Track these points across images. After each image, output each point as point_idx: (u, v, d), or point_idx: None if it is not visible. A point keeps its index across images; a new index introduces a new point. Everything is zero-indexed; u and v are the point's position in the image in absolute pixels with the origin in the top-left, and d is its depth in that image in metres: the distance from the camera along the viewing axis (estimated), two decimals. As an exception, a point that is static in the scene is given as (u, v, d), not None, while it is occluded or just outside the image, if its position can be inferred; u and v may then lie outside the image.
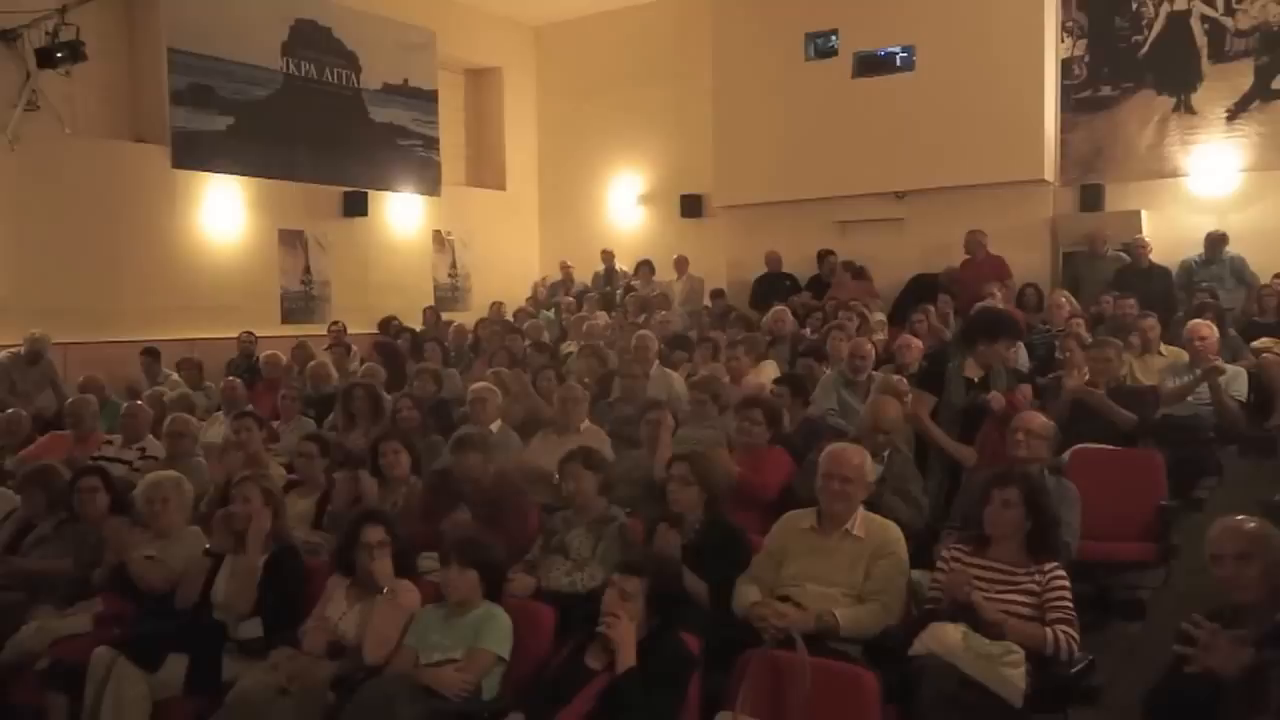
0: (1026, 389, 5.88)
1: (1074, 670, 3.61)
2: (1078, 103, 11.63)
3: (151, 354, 9.97)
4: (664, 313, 10.84)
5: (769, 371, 7.73)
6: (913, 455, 5.37)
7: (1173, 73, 11.13)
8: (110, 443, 6.97)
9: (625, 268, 13.78)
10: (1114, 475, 5.34)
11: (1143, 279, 9.81)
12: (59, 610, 4.79)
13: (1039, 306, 9.79)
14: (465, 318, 12.83)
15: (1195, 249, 10.21)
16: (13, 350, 9.33)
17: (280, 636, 4.18)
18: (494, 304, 13.05)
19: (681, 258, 13.05)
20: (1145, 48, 11.31)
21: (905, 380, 6.39)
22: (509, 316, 12.57)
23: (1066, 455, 5.47)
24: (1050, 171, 11.54)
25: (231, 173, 11.80)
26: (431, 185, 14.05)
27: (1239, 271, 9.89)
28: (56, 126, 10.27)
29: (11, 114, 9.89)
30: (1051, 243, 11.54)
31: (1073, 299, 9.14)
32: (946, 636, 3.54)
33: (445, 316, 12.79)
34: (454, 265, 14.34)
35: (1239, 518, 3.22)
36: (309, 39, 12.59)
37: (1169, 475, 5.46)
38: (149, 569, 4.63)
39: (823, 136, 12.21)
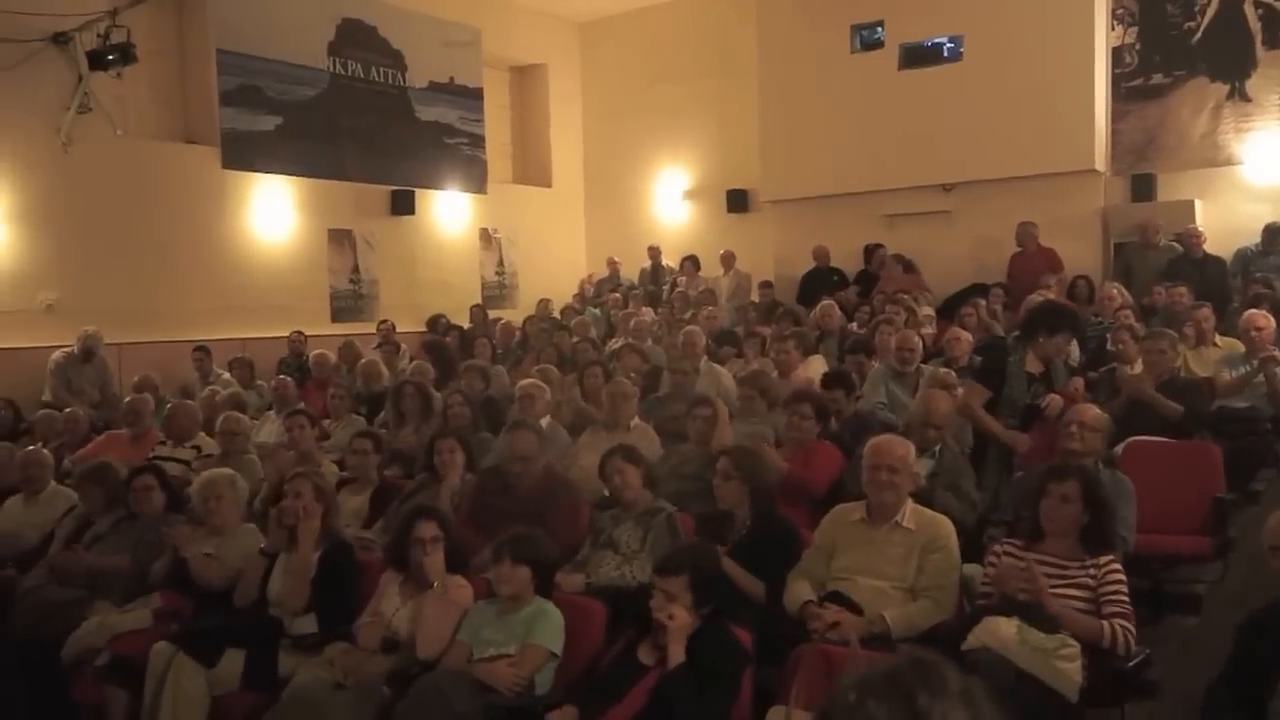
0: (1079, 381, 5.82)
1: (1130, 664, 3.56)
2: (1128, 91, 11.44)
3: (203, 352, 10.11)
4: (711, 308, 10.83)
5: (817, 366, 7.70)
6: (969, 451, 5.33)
7: (1226, 60, 10.92)
8: (165, 442, 7.08)
9: (671, 264, 13.78)
10: (1169, 468, 5.27)
11: (1196, 269, 9.64)
12: (118, 606, 4.89)
13: (1090, 298, 9.65)
14: (513, 315, 12.91)
15: (1251, 239, 9.99)
16: (68, 349, 9.53)
17: (335, 632, 4.23)
18: (541, 301, 13.12)
19: (728, 253, 13.03)
20: (1198, 35, 11.10)
21: (954, 374, 6.36)
22: (556, 314, 12.63)
23: (1120, 448, 5.40)
24: (1101, 161, 11.38)
25: (280, 173, 11.93)
26: (478, 183, 14.12)
27: (1298, 262, 9.69)
28: (108, 128, 10.39)
29: (65, 116, 10.04)
30: (1102, 234, 11.37)
31: (1124, 290, 9.01)
32: (1000, 631, 3.51)
33: (492, 314, 12.87)
34: (501, 263, 14.41)
35: (1297, 510, 3.17)
36: (355, 38, 12.70)
37: (1225, 468, 5.37)
38: (206, 566, 4.70)
39: (869, 129, 12.12)
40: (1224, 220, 10.60)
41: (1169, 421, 5.72)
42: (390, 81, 13.12)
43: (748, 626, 3.71)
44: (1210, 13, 11.05)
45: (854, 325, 9.71)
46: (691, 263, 13.20)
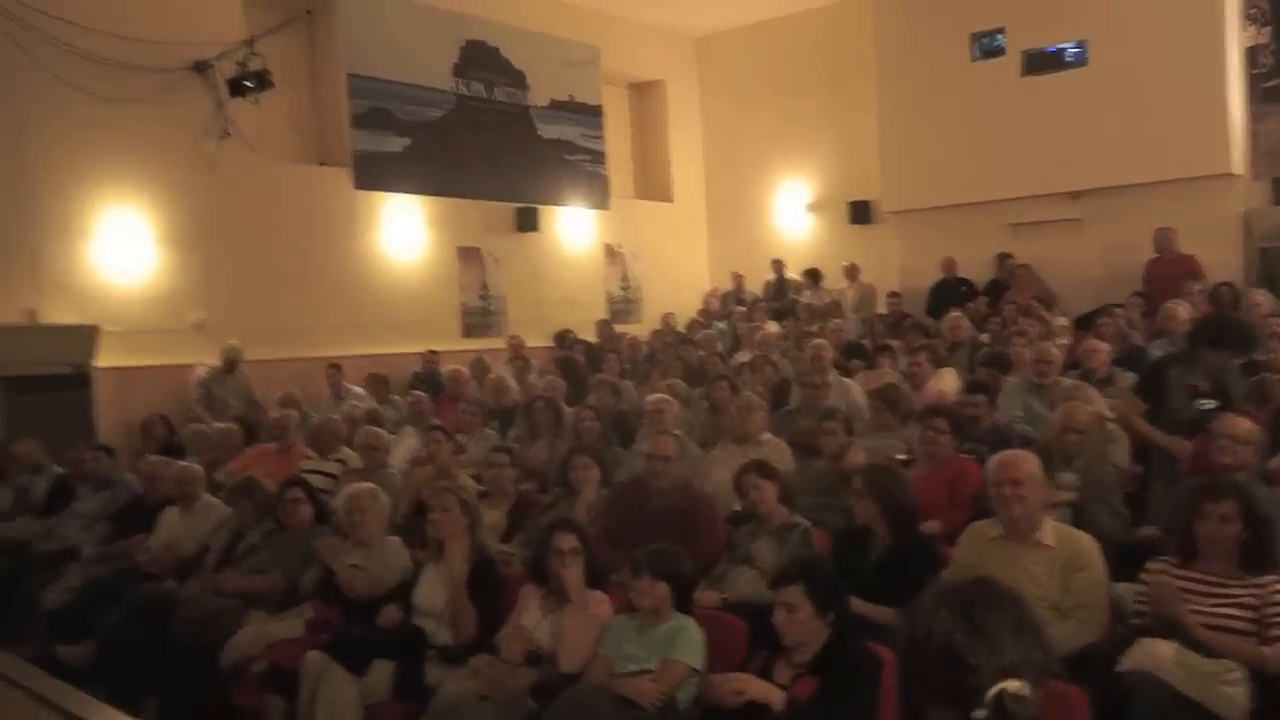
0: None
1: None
2: (1266, 92, 10.98)
3: (336, 369, 10.40)
4: (837, 321, 10.73)
5: (949, 379, 7.55)
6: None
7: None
8: (310, 456, 7.34)
9: (795, 276, 13.70)
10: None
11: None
12: (272, 615, 5.08)
13: (1234, 305, 9.24)
14: (638, 329, 13.01)
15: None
16: (212, 365, 9.98)
17: (479, 644, 4.32)
18: (665, 315, 13.19)
19: (852, 265, 12.90)
20: (1335, 32, 10.59)
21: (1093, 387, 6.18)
22: (680, 328, 12.67)
23: (1275, 461, 5.15)
24: (1239, 164, 10.93)
25: (409, 192, 12.24)
26: (600, 199, 14.29)
27: None
28: (247, 152, 10.77)
29: (208, 142, 10.52)
30: (1244, 239, 10.90)
31: (1271, 297, 8.62)
32: (1158, 653, 3.40)
33: (618, 329, 12.98)
34: (625, 278, 14.53)
35: None
36: (478, 59, 12.99)
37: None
38: (355, 577, 4.84)
39: (993, 137, 11.89)
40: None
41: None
42: (512, 101, 13.38)
43: (889, 644, 3.65)
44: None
45: (984, 337, 9.50)
46: (816, 275, 13.09)
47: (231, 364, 9.95)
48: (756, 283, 14.11)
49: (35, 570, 6.33)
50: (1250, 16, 11.03)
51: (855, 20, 13.34)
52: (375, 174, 11.97)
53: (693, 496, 5.19)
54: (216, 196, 10.50)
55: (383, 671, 4.34)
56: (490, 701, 3.93)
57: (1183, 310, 8.10)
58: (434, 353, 11.27)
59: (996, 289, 11.56)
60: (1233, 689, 3.30)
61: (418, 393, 8.72)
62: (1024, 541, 3.89)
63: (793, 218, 14.63)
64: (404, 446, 7.59)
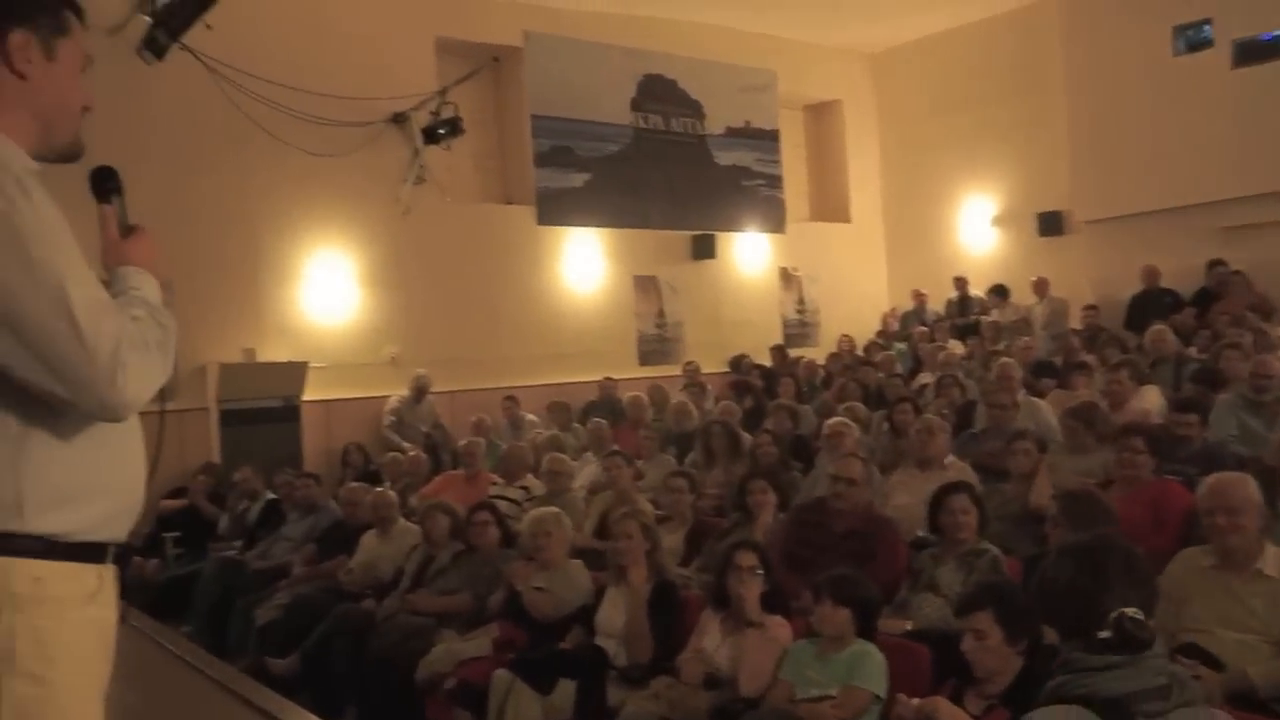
0: None
1: None
2: None
3: (512, 400, 10.69)
4: (1025, 338, 10.31)
5: (1152, 397, 7.11)
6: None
7: None
8: (496, 482, 7.58)
9: (979, 293, 13.27)
10: None
11: None
12: (461, 635, 5.27)
13: None
14: (815, 353, 12.88)
15: None
16: (401, 394, 10.47)
17: (659, 666, 4.35)
18: (842, 337, 12.99)
19: (1041, 279, 12.37)
20: None
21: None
22: (859, 350, 12.46)
23: None
24: None
25: (589, 225, 12.54)
26: (776, 223, 14.24)
27: None
28: (439, 196, 11.33)
29: (403, 188, 11.10)
30: None
31: None
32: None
33: (795, 353, 12.88)
34: (801, 301, 14.41)
35: None
36: (656, 92, 13.21)
37: None
38: (540, 599, 4.97)
39: (1200, 136, 11.20)
40: None
41: None
42: (689, 131, 13.53)
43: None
44: None
45: (1192, 350, 8.93)
46: (1000, 291, 12.64)
47: (420, 392, 10.40)
48: (938, 301, 13.73)
49: (249, 588, 6.77)
50: None
51: (1041, 23, 12.88)
52: (557, 210, 12.31)
53: (875, 520, 5.08)
54: (410, 238, 11.04)
55: (566, 691, 4.42)
56: (671, 724, 3.95)
57: None
58: (611, 379, 11.45)
59: (1205, 299, 10.85)
60: None
61: (598, 419, 8.87)
62: (1242, 572, 3.62)
63: (977, 233, 14.17)
64: (585, 472, 7.73)
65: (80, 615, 1.75)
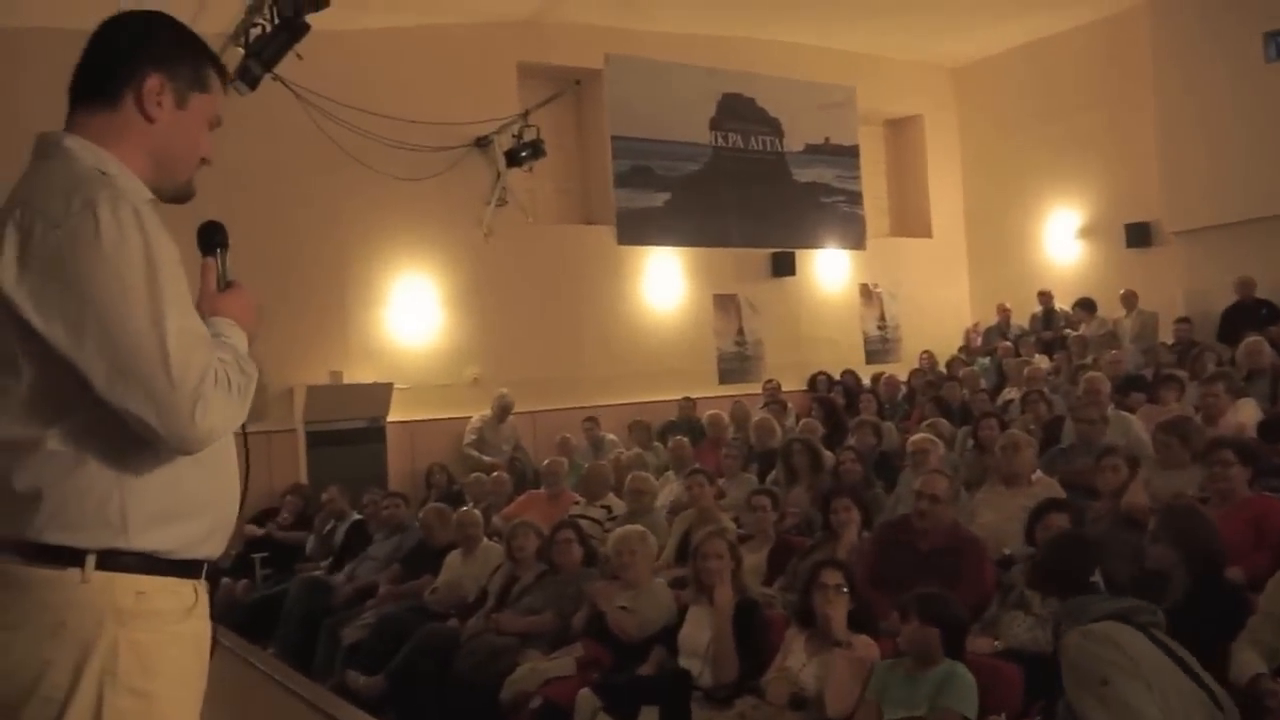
0: None
1: None
2: None
3: (592, 421, 10.75)
4: (1114, 352, 10.05)
5: (1248, 411, 6.89)
6: None
7: None
8: (578, 502, 7.61)
9: (1065, 307, 12.99)
10: None
11: None
12: (546, 654, 5.29)
13: None
14: (896, 369, 12.72)
15: None
16: (484, 414, 10.58)
17: (744, 686, 4.32)
18: (923, 354, 12.82)
19: (1130, 292, 12.05)
20: None
21: None
22: (941, 366, 12.28)
23: None
24: None
25: (669, 244, 12.59)
26: (856, 239, 14.14)
27: None
28: (521, 217, 11.50)
29: (486, 210, 11.27)
30: None
31: None
32: None
33: (876, 369, 12.76)
34: (882, 317, 14.25)
35: None
36: (735, 111, 13.22)
37: None
38: (624, 619, 4.98)
39: (1294, 143, 10.87)
40: None
41: None
42: (768, 148, 13.51)
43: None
44: None
45: (1292, 363, 8.63)
46: (1087, 305, 12.36)
47: (503, 411, 10.51)
48: (1022, 316, 13.46)
49: (336, 608, 6.89)
50: None
51: (1127, 33, 12.61)
52: (637, 229, 12.39)
53: (962, 537, 4.99)
54: (492, 259, 11.21)
55: (650, 717, 4.41)
56: (756, 745, 3.92)
57: None
58: (689, 400, 11.43)
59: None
60: None
61: (680, 438, 8.87)
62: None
63: (1062, 245, 13.88)
64: (666, 491, 7.73)
65: (179, 629, 1.80)
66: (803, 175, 13.71)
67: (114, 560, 1.72)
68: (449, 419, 10.70)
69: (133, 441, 1.71)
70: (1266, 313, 10.70)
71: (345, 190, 10.24)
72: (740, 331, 13.07)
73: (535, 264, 11.51)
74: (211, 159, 1.99)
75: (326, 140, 9.79)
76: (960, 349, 13.56)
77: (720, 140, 13.08)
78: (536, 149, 10.86)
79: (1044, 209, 14.02)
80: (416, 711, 5.52)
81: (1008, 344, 12.29)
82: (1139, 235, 12.82)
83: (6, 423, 1.71)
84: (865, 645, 4.09)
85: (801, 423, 8.99)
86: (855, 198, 14.19)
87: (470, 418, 10.65)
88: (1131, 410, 7.58)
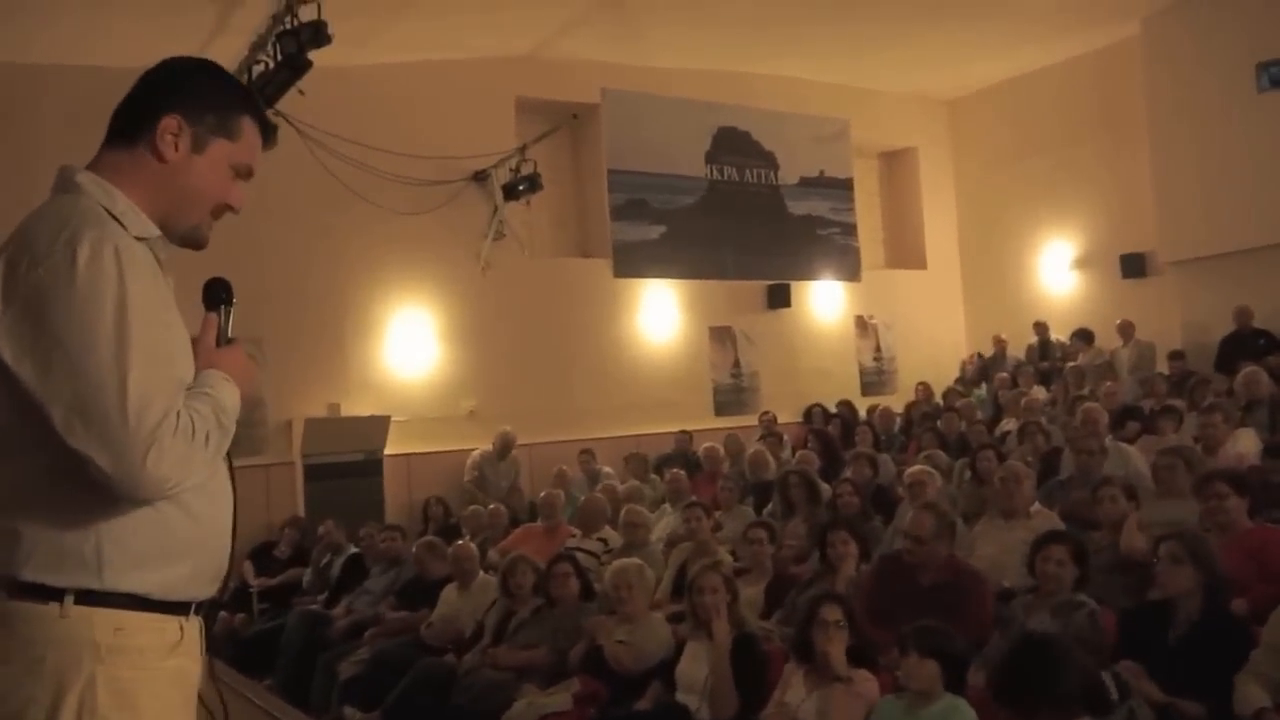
0: None
1: None
2: None
3: (589, 454, 10.72)
4: (1110, 383, 10.06)
5: (1247, 441, 6.89)
6: None
7: None
8: (574, 534, 7.58)
9: (1061, 338, 13.02)
10: None
11: None
12: (542, 689, 5.23)
13: None
14: (892, 401, 12.71)
15: None
16: (484, 449, 10.54)
17: (742, 720, 4.29)
18: (919, 385, 12.82)
19: (1126, 322, 12.09)
20: None
21: None
22: (938, 398, 12.28)
23: None
24: None
25: (665, 277, 12.63)
26: (851, 271, 14.18)
27: None
28: (518, 250, 11.54)
29: (483, 244, 11.30)
30: None
31: None
32: None
33: (872, 401, 12.75)
34: (878, 348, 14.28)
35: None
36: (730, 145, 13.31)
37: None
38: (621, 653, 4.94)
39: (1288, 172, 10.96)
40: None
41: None
42: (763, 181, 13.59)
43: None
44: None
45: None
46: (1085, 336, 12.38)
47: (505, 448, 10.48)
48: (1018, 347, 13.49)
49: (333, 642, 6.84)
50: None
51: (1119, 64, 12.73)
52: (633, 262, 12.43)
53: (961, 570, 4.96)
54: (489, 292, 11.24)
55: (648, 752, 4.38)
56: (755, 781, 3.88)
57: None
58: (686, 433, 11.41)
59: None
60: None
61: (677, 471, 8.85)
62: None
63: (1057, 276, 13.94)
64: (662, 524, 7.70)
65: (162, 665, 1.78)
66: (798, 208, 13.78)
67: (88, 598, 1.71)
68: (446, 451, 10.68)
69: None
70: (1264, 342, 10.73)
71: (344, 223, 10.28)
72: (736, 363, 13.09)
73: (532, 296, 11.53)
74: (239, 208, 1.99)
75: (326, 174, 9.84)
76: (956, 380, 13.56)
77: (716, 173, 13.16)
78: (534, 182, 10.94)
79: (1038, 240, 14.09)
80: (412, 748, 5.48)
81: (1004, 375, 12.30)
82: (1134, 266, 12.88)
83: None
84: (865, 680, 4.06)
85: (798, 455, 8.98)
86: (850, 230, 14.26)
87: (469, 451, 10.61)
88: (1130, 441, 7.57)
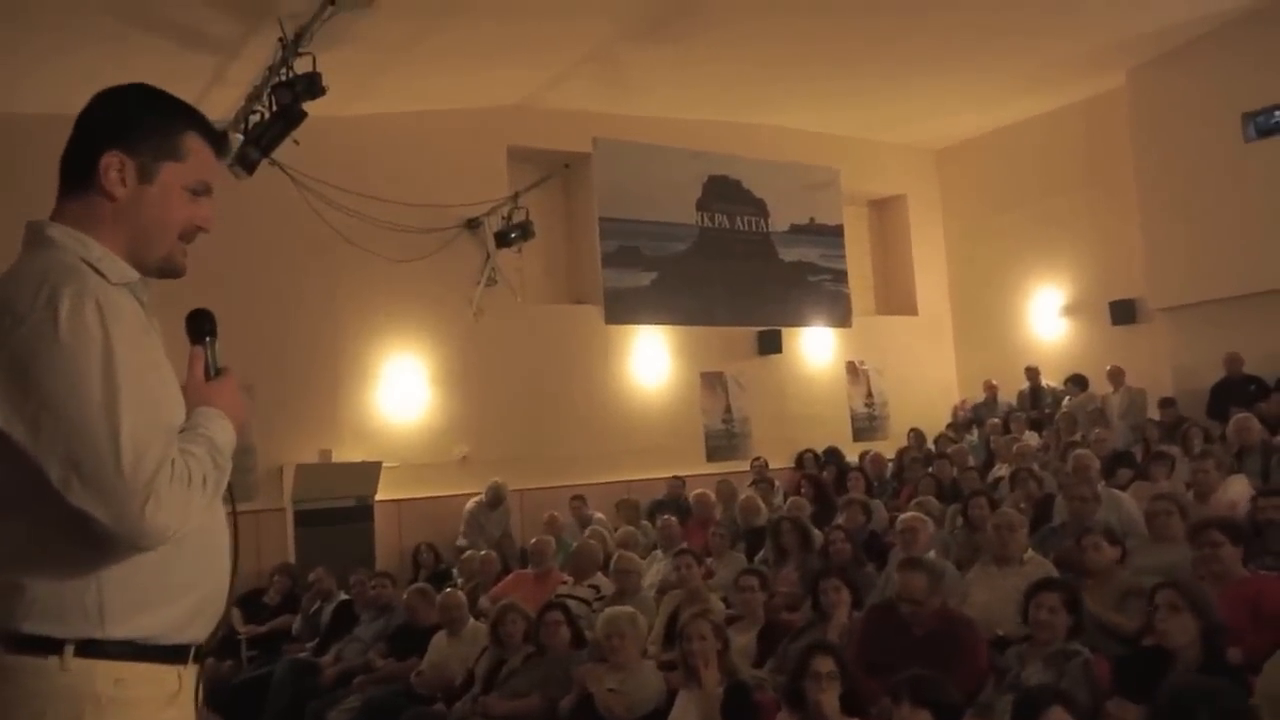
0: None
1: None
2: None
3: (580, 500, 10.65)
4: (1100, 430, 10.08)
5: (1239, 488, 6.88)
6: None
7: None
8: (565, 581, 7.53)
9: (1052, 384, 13.06)
10: None
11: None
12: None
13: None
14: (884, 446, 12.71)
15: None
16: (478, 498, 10.49)
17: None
18: (911, 431, 12.83)
19: (1116, 368, 12.13)
20: None
21: None
22: (930, 444, 12.28)
23: None
24: None
25: (656, 323, 12.67)
26: (842, 317, 14.25)
27: None
28: (510, 297, 11.59)
29: (475, 291, 11.35)
30: None
31: None
32: None
33: (864, 447, 12.76)
34: (870, 394, 14.31)
35: None
36: (721, 192, 13.42)
37: None
38: (612, 701, 4.90)
39: (1277, 220, 11.05)
40: None
41: None
42: (754, 229, 13.69)
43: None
44: None
45: None
46: (1079, 382, 12.43)
47: (497, 499, 10.42)
48: (1010, 393, 13.53)
49: (323, 690, 6.77)
50: None
51: (1107, 115, 12.91)
52: (624, 308, 12.48)
53: (954, 619, 4.94)
54: (482, 339, 11.27)
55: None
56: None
57: None
58: (679, 478, 11.39)
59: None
60: None
61: (668, 517, 8.82)
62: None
63: (1047, 323, 14.03)
64: (653, 570, 7.66)
65: (159, 717, 1.77)
66: (788, 254, 13.87)
67: (91, 649, 1.71)
68: (437, 497, 10.64)
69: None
70: (1255, 388, 10.77)
71: (338, 271, 10.33)
72: (727, 409, 13.10)
73: (524, 343, 11.55)
74: (208, 227, 1.93)
75: (320, 222, 9.89)
76: (948, 426, 13.58)
77: (706, 220, 13.25)
78: (526, 230, 11.02)
79: (1028, 287, 14.19)
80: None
81: (996, 421, 12.32)
82: (1123, 312, 12.97)
83: None
84: (858, 729, 4.03)
85: (789, 501, 8.95)
86: (840, 276, 14.34)
87: (460, 496, 10.55)
88: (1122, 487, 7.57)
